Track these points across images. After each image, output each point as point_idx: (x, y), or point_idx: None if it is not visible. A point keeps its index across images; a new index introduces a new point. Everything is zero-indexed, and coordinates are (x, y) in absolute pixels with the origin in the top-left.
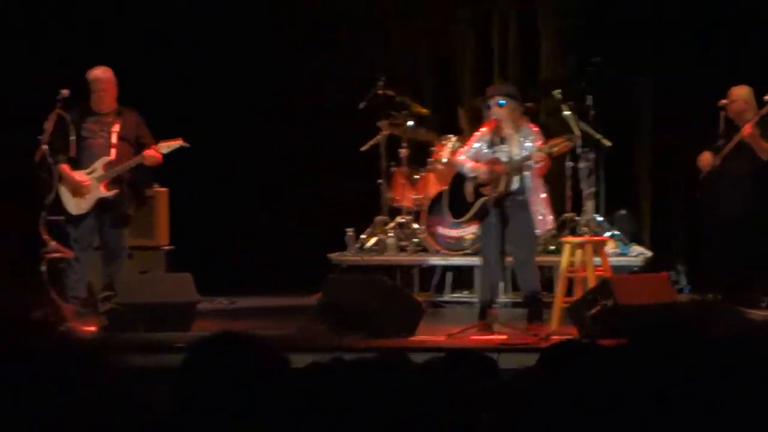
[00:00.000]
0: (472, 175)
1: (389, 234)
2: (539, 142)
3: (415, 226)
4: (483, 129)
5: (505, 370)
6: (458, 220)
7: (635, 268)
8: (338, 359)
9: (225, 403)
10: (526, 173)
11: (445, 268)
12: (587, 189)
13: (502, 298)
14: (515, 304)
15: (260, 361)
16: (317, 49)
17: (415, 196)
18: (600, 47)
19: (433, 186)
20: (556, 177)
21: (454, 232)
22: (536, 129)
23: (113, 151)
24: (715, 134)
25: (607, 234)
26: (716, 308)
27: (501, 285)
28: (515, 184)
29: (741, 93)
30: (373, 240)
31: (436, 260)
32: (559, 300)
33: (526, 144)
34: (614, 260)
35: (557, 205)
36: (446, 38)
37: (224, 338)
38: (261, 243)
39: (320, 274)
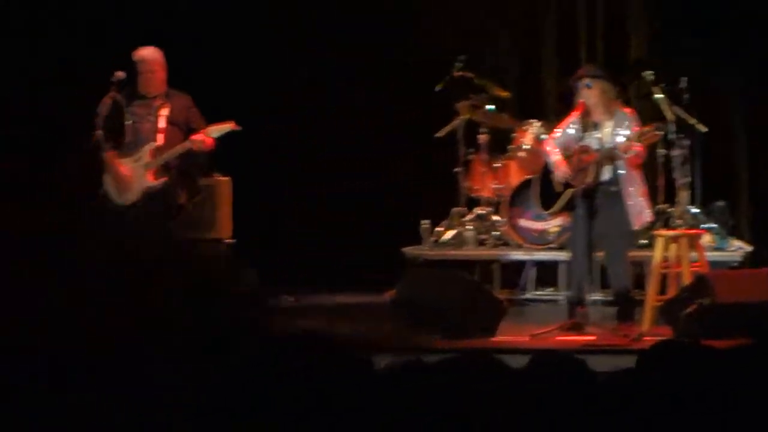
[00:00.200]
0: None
1: (467, 226)
2: (636, 128)
3: (496, 218)
4: (574, 113)
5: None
6: (546, 212)
7: (734, 264)
8: (418, 361)
9: (306, 405)
10: (620, 162)
11: (529, 264)
12: (681, 178)
13: (591, 296)
14: (604, 303)
15: (341, 363)
16: (389, 28)
17: (496, 186)
18: (691, 27)
19: (515, 174)
20: (647, 165)
21: (537, 225)
22: (631, 113)
23: (161, 137)
24: None
25: (704, 227)
26: None
27: (589, 282)
28: (606, 174)
29: None
30: (450, 233)
31: (518, 255)
32: (651, 298)
33: (619, 130)
34: (711, 255)
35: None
36: (530, 17)
37: (303, 339)
38: (329, 236)
39: (393, 270)
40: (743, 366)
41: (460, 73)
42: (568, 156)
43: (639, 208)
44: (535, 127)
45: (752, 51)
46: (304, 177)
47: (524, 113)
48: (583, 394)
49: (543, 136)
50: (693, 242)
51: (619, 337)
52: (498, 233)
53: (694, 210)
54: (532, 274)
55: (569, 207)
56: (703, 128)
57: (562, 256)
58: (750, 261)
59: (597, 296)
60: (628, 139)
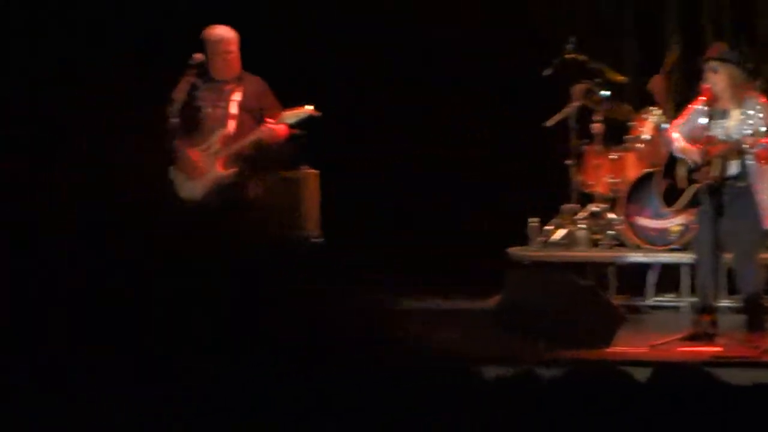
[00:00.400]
0: (682, 156)
1: (580, 225)
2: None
3: (611, 215)
4: (699, 99)
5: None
6: (668, 209)
7: None
8: (529, 373)
9: (410, 418)
10: (748, 156)
11: (648, 266)
12: None
13: (717, 303)
14: (733, 310)
15: (448, 374)
16: (492, 5)
17: (611, 180)
18: None
19: (633, 168)
20: None
21: (657, 223)
22: (765, 102)
23: (232, 124)
24: None
25: None
26: None
27: (716, 286)
28: (734, 169)
29: None
30: (561, 232)
31: (635, 257)
32: None
33: (748, 121)
34: None
35: None
36: None
37: (406, 346)
38: (426, 235)
39: (498, 273)
40: None
41: (572, 56)
42: None
43: None
44: (655, 115)
45: None
46: (399, 170)
47: (643, 100)
48: (715, 411)
49: (664, 125)
50: None
51: (749, 349)
52: (613, 233)
53: None
54: (651, 277)
55: (693, 204)
56: None
57: (685, 258)
58: None
59: (724, 303)
60: (756, 131)
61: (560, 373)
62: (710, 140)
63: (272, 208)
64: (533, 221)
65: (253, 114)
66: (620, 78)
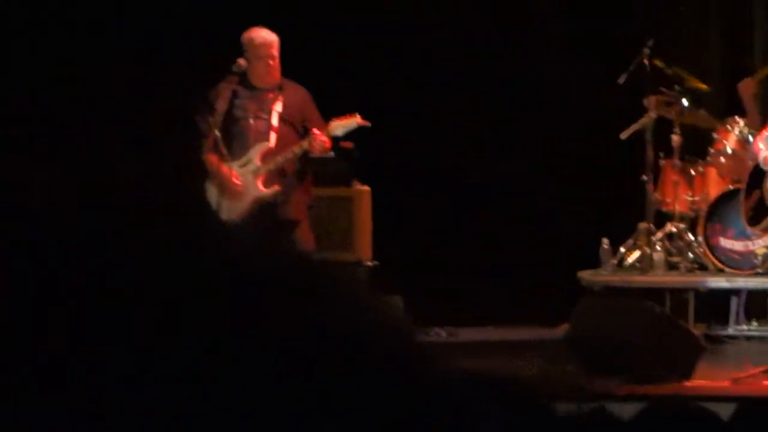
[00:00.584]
0: None
1: (656, 247)
2: None
3: (691, 236)
4: None
5: None
6: (753, 229)
7: None
8: (602, 410)
9: None
10: None
11: (731, 292)
12: None
13: None
14: None
15: (513, 410)
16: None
17: (691, 198)
18: None
19: (715, 184)
20: None
21: (742, 245)
22: None
23: (273, 137)
24: None
25: None
26: None
27: None
28: None
29: None
30: (636, 254)
31: (717, 282)
32: None
33: None
34: None
35: None
36: None
37: (468, 381)
38: (488, 257)
39: (567, 299)
40: None
41: (649, 61)
42: None
43: None
44: (740, 126)
45: None
46: (458, 187)
47: (727, 110)
48: None
49: (750, 137)
50: None
51: None
52: (693, 255)
53: None
54: (734, 304)
55: None
56: None
57: None
58: None
59: None
60: None
61: (635, 410)
62: None
63: (319, 229)
64: (605, 242)
65: (294, 126)
66: (702, 86)
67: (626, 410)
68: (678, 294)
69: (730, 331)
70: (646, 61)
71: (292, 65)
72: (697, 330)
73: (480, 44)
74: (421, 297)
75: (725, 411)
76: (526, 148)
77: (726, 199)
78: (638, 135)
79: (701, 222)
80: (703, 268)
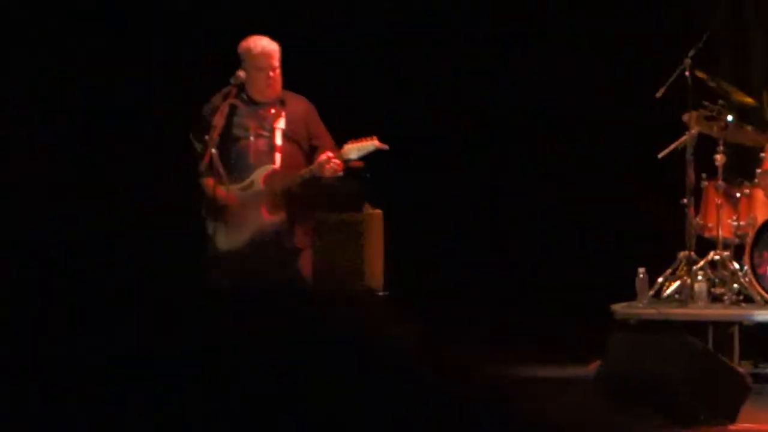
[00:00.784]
0: None
1: (698, 277)
2: None
3: (736, 265)
4: None
5: None
6: None
7: None
8: None
9: None
10: None
11: None
12: None
13: None
14: None
15: None
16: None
17: (736, 223)
18: None
19: (763, 207)
20: None
21: None
22: None
23: (277, 157)
24: None
25: None
26: None
27: None
28: None
29: None
30: (675, 285)
31: (765, 315)
32: None
33: None
34: None
35: None
36: None
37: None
38: (512, 287)
39: (599, 333)
40: None
41: (690, 72)
42: None
43: None
44: None
45: None
46: (479, 209)
47: None
48: None
49: None
50: None
51: None
52: (738, 286)
53: None
54: None
55: None
56: None
57: None
58: None
59: None
60: None
61: None
62: None
63: (325, 257)
64: (641, 271)
65: (300, 144)
66: (748, 100)
67: None
68: (721, 328)
69: None
70: (687, 73)
71: (294, 76)
72: (743, 368)
73: (504, 59)
74: (437, 331)
75: None
76: (555, 170)
77: None
78: (678, 154)
79: (747, 249)
80: (749, 299)
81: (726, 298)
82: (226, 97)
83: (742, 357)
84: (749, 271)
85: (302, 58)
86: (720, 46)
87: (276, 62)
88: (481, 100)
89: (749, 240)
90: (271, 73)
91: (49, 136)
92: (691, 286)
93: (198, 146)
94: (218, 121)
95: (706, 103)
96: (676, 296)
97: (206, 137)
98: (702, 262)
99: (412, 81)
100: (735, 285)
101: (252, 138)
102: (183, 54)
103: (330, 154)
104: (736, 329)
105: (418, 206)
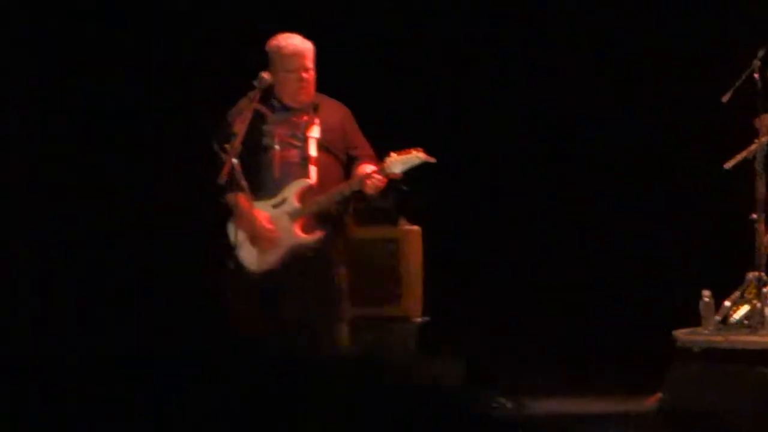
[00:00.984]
0: None
1: None
2: None
3: None
4: None
5: None
6: None
7: None
8: None
9: None
10: None
11: None
12: None
13: None
14: None
15: None
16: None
17: None
18: None
19: None
20: None
21: None
22: None
23: (313, 171)
24: None
25: None
26: None
27: None
28: None
29: None
30: (744, 309)
31: None
32: None
33: None
34: None
35: None
36: None
37: None
38: (564, 312)
39: (660, 363)
40: None
41: (761, 74)
42: None
43: None
44: None
45: None
46: (528, 227)
47: None
48: None
49: None
50: None
51: None
52: None
53: None
54: None
55: None
56: None
57: None
58: None
59: None
60: None
61: None
62: None
63: (358, 279)
64: (706, 294)
65: (336, 156)
66: None
67: None
68: None
69: None
70: (757, 75)
71: (328, 78)
72: None
73: (557, 66)
74: (482, 360)
75: None
76: (609, 182)
77: None
78: (747, 164)
79: None
80: None
81: None
82: (251, 101)
83: None
84: None
85: (337, 59)
86: None
87: (309, 63)
88: (536, 108)
89: None
90: (303, 75)
91: (49, 137)
92: (762, 311)
93: (222, 156)
94: (240, 128)
95: None
96: (745, 322)
97: (227, 146)
98: None
99: (460, 86)
100: None
101: (277, 147)
102: (183, 54)
103: (372, 167)
104: None
105: (461, 223)
